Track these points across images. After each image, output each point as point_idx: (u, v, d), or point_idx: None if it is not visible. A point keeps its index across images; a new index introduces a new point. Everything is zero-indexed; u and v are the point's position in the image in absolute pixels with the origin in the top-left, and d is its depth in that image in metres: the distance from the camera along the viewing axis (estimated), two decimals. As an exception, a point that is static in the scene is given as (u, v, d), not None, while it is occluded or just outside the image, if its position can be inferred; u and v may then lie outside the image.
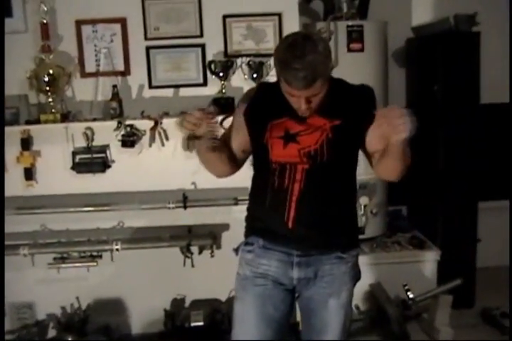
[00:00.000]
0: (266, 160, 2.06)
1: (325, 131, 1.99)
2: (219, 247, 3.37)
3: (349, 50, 3.45)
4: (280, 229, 2.05)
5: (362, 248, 3.57)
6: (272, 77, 3.23)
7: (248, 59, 3.26)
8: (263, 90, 2.13)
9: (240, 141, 2.12)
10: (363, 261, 3.45)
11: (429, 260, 3.59)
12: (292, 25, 3.25)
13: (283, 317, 2.15)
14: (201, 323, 3.30)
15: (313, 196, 1.99)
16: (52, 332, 3.44)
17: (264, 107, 2.07)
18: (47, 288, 3.44)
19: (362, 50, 3.47)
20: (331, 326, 2.14)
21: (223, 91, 3.24)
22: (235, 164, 2.15)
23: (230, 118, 3.09)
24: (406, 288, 3.32)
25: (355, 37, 3.45)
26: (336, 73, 3.51)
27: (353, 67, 3.45)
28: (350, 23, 3.48)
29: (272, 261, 2.11)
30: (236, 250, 2.22)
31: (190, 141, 2.30)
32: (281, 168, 2.03)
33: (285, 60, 1.85)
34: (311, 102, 1.92)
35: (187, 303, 3.51)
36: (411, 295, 3.33)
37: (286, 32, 3.23)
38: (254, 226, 2.17)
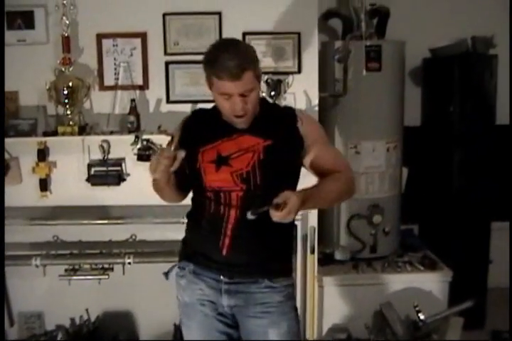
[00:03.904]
0: (200, 186, 2.06)
1: (256, 152, 1.99)
2: (231, 263, 3.36)
3: (367, 69, 3.46)
4: (213, 255, 2.05)
5: (374, 266, 3.58)
6: (289, 94, 3.26)
7: (266, 76, 3.25)
8: (196, 116, 2.17)
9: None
10: (374, 280, 3.50)
11: (440, 281, 3.57)
12: (311, 43, 3.27)
13: (231, 338, 2.15)
14: (211, 339, 3.29)
15: (250, 223, 1.89)
16: (60, 343, 3.45)
17: (196, 133, 2.08)
18: (57, 299, 3.45)
19: (379, 69, 3.48)
20: None
21: (241, 107, 3.25)
22: (183, 192, 2.16)
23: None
24: (417, 309, 3.30)
25: (373, 56, 3.46)
26: (353, 92, 3.55)
27: (370, 87, 3.48)
28: (368, 42, 3.49)
29: (204, 287, 2.10)
30: (166, 274, 2.21)
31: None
32: (216, 194, 2.02)
33: (213, 55, 1.92)
34: (246, 103, 1.94)
35: (196, 318, 3.51)
36: (422, 317, 3.31)
37: (305, 50, 3.25)
38: (187, 251, 2.18)
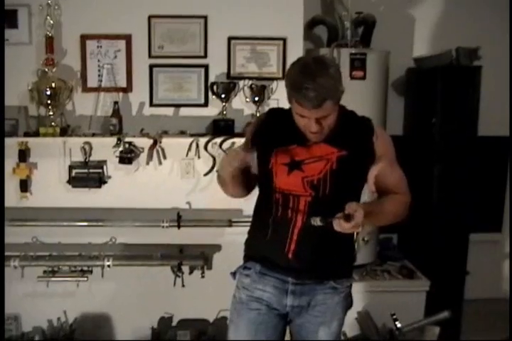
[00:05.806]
0: (270, 188, 2.08)
1: (330, 161, 2.02)
2: (210, 268, 3.36)
3: (351, 77, 3.47)
4: (279, 259, 2.09)
5: (352, 275, 3.57)
6: (272, 101, 3.26)
7: (250, 82, 3.27)
8: (273, 116, 2.16)
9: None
10: (352, 289, 3.49)
11: (418, 290, 3.58)
12: (296, 50, 3.27)
13: (278, 337, 2.21)
14: (188, 343, 3.29)
15: (316, 228, 1.95)
16: (36, 346, 3.42)
17: (272, 133, 2.09)
18: (34, 301, 3.42)
19: (364, 78, 3.49)
20: None
21: (224, 112, 3.25)
22: (249, 188, 2.19)
23: (230, 140, 3.16)
24: (394, 317, 3.31)
25: (358, 65, 3.48)
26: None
27: (354, 95, 3.44)
28: (353, 50, 3.51)
29: (267, 287, 2.15)
30: (233, 274, 2.24)
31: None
32: (285, 196, 2.05)
33: (296, 81, 1.89)
34: (321, 125, 1.95)
35: (174, 322, 3.50)
36: (398, 325, 3.32)
37: (289, 56, 3.26)
38: (253, 253, 2.21)
